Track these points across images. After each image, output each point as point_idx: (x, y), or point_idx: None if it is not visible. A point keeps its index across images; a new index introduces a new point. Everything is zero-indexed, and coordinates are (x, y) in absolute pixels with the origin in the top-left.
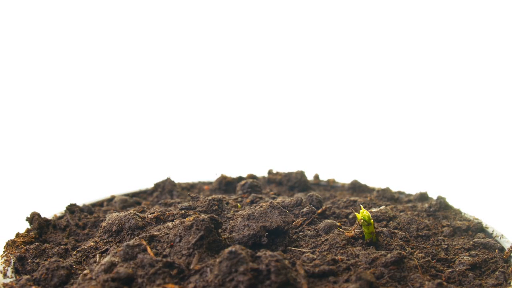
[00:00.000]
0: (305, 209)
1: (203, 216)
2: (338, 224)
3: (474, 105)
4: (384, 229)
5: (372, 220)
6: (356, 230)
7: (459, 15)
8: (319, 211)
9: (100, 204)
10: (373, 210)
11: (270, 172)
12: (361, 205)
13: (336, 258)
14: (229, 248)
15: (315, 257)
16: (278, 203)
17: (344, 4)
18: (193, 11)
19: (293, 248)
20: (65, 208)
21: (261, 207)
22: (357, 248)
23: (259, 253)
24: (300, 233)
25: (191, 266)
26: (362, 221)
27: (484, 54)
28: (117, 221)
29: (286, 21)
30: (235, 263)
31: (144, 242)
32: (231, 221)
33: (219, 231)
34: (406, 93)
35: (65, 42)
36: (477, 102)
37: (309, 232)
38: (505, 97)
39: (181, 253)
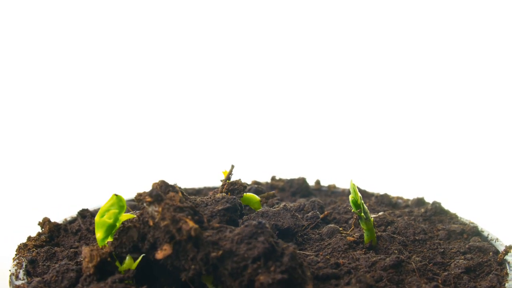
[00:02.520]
0: (309, 214)
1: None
2: (341, 229)
3: (472, 110)
4: (383, 233)
5: (367, 209)
6: (356, 234)
7: (454, 18)
8: (321, 216)
9: None
10: (372, 216)
11: (273, 179)
12: (351, 181)
13: (339, 261)
14: (259, 220)
15: (318, 260)
16: (291, 206)
17: (342, 8)
18: (197, 14)
19: (298, 251)
20: (77, 213)
21: (275, 208)
22: (357, 252)
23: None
24: (305, 237)
25: (211, 223)
26: (360, 212)
27: (480, 60)
28: None
29: (288, 27)
30: (259, 232)
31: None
32: (244, 216)
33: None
34: (405, 98)
35: (70, 46)
36: (474, 108)
37: (313, 236)
38: (500, 104)
39: (204, 213)
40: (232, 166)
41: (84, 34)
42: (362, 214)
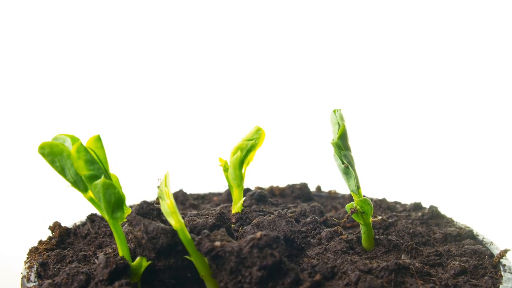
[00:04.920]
0: (308, 219)
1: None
2: (339, 232)
3: (467, 117)
4: (382, 236)
5: (368, 205)
6: (353, 236)
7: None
8: (321, 220)
9: None
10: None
11: (276, 184)
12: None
13: (337, 265)
14: (277, 234)
15: (317, 263)
16: (285, 212)
17: (343, 11)
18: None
19: (297, 255)
20: (86, 217)
21: (270, 216)
22: (356, 255)
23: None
24: (304, 240)
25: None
26: (357, 205)
27: (476, 63)
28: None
29: (289, 36)
30: (274, 246)
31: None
32: (244, 227)
33: None
34: (403, 102)
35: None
36: (469, 115)
37: (312, 240)
38: (493, 112)
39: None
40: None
41: (67, 30)
42: (348, 166)
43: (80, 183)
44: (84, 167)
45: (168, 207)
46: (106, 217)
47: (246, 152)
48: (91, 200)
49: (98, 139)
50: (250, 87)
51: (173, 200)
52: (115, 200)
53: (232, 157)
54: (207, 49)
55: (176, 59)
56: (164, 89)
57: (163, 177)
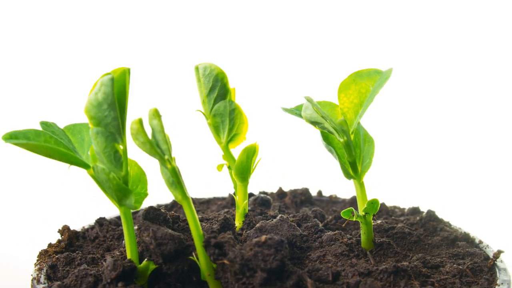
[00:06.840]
0: (309, 223)
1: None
2: (339, 236)
3: (464, 122)
4: (381, 240)
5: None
6: (354, 239)
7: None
8: (322, 224)
9: None
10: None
11: (278, 189)
12: None
13: (338, 268)
14: (281, 238)
15: (319, 267)
16: (287, 217)
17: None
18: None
19: (299, 258)
20: (94, 221)
21: (272, 220)
22: (355, 258)
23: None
24: (306, 244)
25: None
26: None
27: (474, 66)
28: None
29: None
30: (280, 244)
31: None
32: (247, 231)
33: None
34: (402, 106)
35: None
36: (466, 119)
37: (313, 243)
38: (488, 117)
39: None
40: None
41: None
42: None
43: (80, 160)
44: (96, 106)
45: (171, 174)
46: (115, 204)
47: (229, 120)
48: (94, 178)
49: (127, 72)
50: (252, 88)
51: (176, 164)
52: (115, 187)
53: (245, 147)
54: (206, 47)
55: (174, 58)
56: (162, 88)
57: (149, 115)
